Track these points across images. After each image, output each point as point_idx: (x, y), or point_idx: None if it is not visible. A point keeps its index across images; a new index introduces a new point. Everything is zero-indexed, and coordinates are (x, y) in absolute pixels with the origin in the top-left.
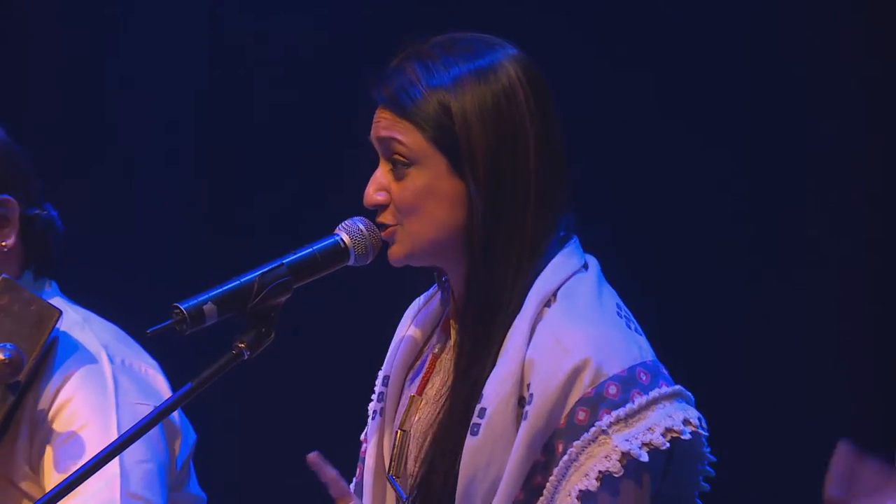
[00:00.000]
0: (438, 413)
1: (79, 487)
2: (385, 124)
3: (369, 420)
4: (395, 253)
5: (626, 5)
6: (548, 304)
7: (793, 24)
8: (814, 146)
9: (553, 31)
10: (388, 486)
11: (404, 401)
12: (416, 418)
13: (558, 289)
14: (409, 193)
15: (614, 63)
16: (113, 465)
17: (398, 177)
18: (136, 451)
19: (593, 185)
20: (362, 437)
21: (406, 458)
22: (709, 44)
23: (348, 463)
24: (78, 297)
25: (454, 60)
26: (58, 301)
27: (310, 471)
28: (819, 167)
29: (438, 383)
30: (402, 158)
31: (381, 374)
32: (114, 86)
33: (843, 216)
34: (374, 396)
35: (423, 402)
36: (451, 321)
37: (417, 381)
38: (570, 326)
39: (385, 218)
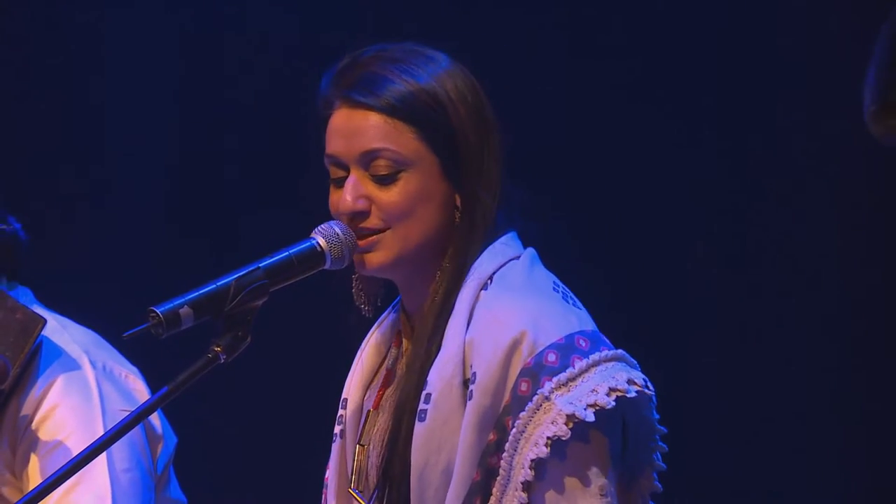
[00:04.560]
0: (390, 416)
1: (71, 498)
2: (374, 133)
3: (332, 445)
4: (378, 260)
5: None
6: (484, 287)
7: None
8: (810, 144)
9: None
10: (352, 499)
11: (364, 417)
12: (374, 430)
13: (494, 273)
14: (402, 199)
15: (586, 53)
16: (103, 478)
17: (385, 182)
18: (122, 459)
19: (554, 184)
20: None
21: (367, 471)
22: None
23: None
24: (52, 303)
25: (424, 62)
26: (36, 309)
27: (288, 474)
28: (812, 165)
29: (392, 393)
30: (392, 165)
31: (341, 398)
32: (92, 95)
33: (840, 214)
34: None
35: (379, 415)
36: (403, 331)
37: (374, 396)
38: (504, 303)
39: (372, 222)
